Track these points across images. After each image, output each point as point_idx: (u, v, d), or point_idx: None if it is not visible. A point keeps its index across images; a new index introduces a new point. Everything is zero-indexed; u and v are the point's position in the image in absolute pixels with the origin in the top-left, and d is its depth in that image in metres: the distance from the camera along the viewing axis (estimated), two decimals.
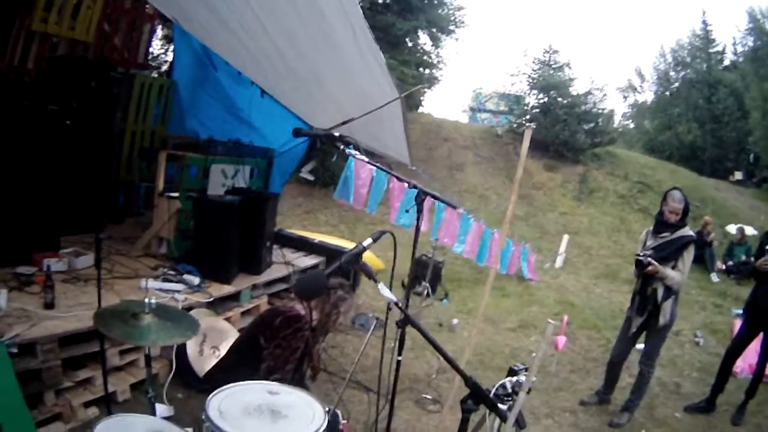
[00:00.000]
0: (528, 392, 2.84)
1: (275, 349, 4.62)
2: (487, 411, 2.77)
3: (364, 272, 2.65)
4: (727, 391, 6.99)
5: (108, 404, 4.39)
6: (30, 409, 4.07)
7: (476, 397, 2.52)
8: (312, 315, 4.74)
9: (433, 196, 3.65)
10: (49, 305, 4.92)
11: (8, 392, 3.79)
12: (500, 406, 2.79)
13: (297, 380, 4.64)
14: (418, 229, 3.66)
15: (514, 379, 2.95)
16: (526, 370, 2.96)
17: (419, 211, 3.56)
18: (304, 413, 3.10)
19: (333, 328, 5.04)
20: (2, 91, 6.41)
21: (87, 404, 4.72)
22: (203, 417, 2.95)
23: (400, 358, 3.57)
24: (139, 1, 9.82)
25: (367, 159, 3.65)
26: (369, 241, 2.73)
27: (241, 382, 3.38)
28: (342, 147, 3.60)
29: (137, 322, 3.24)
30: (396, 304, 2.63)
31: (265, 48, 6.29)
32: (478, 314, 5.29)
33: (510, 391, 2.96)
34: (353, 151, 3.58)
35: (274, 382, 3.47)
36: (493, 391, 3.02)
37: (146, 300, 3.34)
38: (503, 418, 2.71)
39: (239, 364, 4.82)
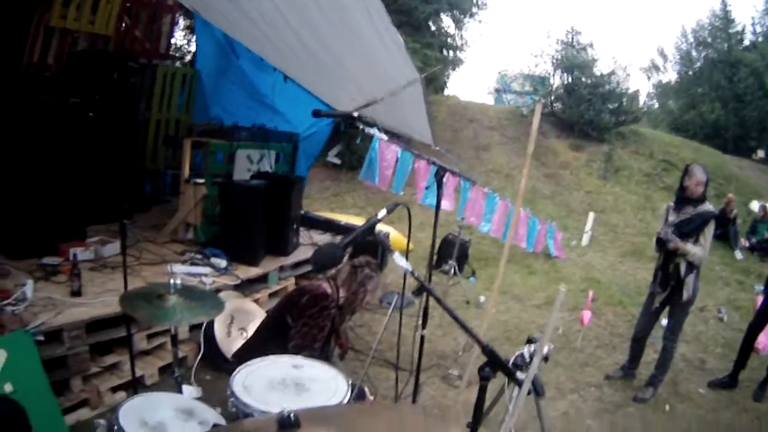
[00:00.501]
0: (546, 360, 2.88)
1: (302, 328, 4.66)
2: (506, 380, 2.81)
3: (379, 243, 2.70)
4: (750, 368, 6.98)
5: (135, 388, 4.44)
6: (57, 395, 4.16)
7: (493, 364, 2.56)
8: (339, 293, 4.79)
9: (452, 172, 3.72)
10: (76, 293, 5.00)
11: (34, 379, 3.87)
12: (519, 374, 2.83)
13: (324, 358, 4.68)
14: (438, 205, 3.72)
15: (532, 347, 2.99)
16: None
17: (439, 188, 3.62)
18: (328, 386, 3.17)
19: (360, 307, 5.08)
20: (23, 86, 6.50)
21: (114, 389, 4.81)
22: (228, 392, 3.03)
23: (424, 332, 3.64)
24: None
25: (386, 137, 3.70)
26: (383, 212, 2.77)
27: (265, 357, 3.45)
28: (362, 127, 3.66)
29: (162, 303, 3.31)
30: (411, 273, 2.67)
31: (285, 36, 6.32)
32: (495, 287, 5.30)
33: (528, 359, 3.00)
34: (372, 130, 3.64)
35: (298, 356, 3.54)
36: (512, 360, 3.06)
37: (171, 281, 3.41)
38: (520, 385, 2.76)
39: (267, 344, 4.86)
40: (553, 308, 2.71)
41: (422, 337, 3.65)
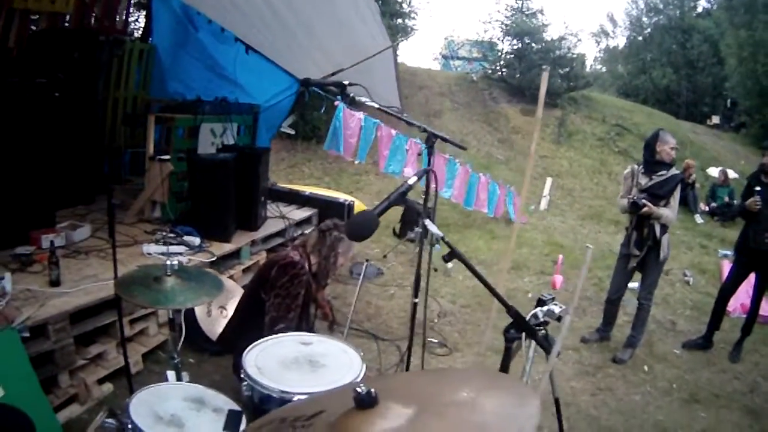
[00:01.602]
0: (559, 320, 2.88)
1: (275, 299, 4.56)
2: (523, 340, 2.82)
3: (411, 209, 2.71)
4: (722, 330, 7.16)
5: (129, 377, 4.29)
6: (46, 394, 3.96)
7: (518, 325, 2.58)
8: (310, 260, 4.73)
9: (443, 139, 3.68)
10: (55, 282, 4.79)
11: (25, 380, 3.69)
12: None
13: (305, 328, 4.62)
14: (429, 173, 3.66)
15: (545, 308, 2.96)
16: (554, 299, 2.98)
17: (430, 155, 3.58)
18: (341, 360, 3.13)
19: (334, 271, 5.00)
20: None
21: (100, 381, 4.66)
22: (242, 375, 2.96)
23: (416, 300, 3.61)
24: None
25: (377, 105, 3.63)
26: (414, 179, 2.77)
27: (271, 336, 3.40)
28: (352, 94, 3.59)
29: (161, 286, 3.21)
30: (443, 238, 2.68)
31: (255, 2, 6.22)
32: (504, 266, 5.31)
33: (542, 320, 2.97)
34: (363, 98, 3.57)
35: (305, 333, 3.49)
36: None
37: (167, 262, 3.30)
38: (545, 347, 2.76)
39: (247, 323, 4.79)
40: (582, 266, 2.72)
41: (414, 305, 3.63)
